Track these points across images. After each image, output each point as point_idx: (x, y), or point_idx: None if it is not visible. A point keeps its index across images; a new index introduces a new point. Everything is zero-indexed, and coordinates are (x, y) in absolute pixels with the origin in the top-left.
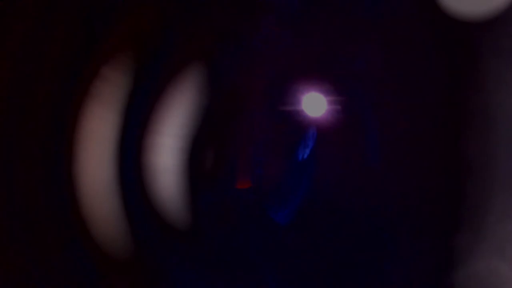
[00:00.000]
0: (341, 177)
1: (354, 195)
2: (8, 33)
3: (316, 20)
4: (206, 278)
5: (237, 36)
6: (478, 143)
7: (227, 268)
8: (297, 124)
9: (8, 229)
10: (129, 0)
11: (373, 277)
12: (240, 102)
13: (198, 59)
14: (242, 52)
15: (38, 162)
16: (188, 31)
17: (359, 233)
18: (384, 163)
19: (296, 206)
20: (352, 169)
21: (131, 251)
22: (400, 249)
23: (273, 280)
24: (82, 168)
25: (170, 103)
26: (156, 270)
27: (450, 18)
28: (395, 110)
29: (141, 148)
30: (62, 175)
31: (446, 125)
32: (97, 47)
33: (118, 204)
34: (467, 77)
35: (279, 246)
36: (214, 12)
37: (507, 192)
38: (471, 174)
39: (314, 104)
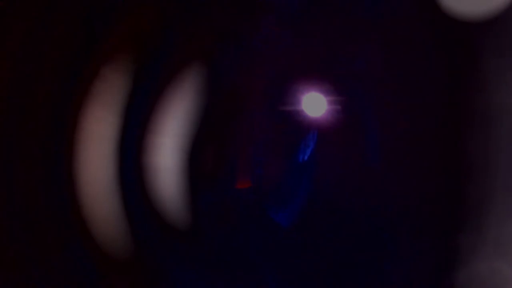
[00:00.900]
0: (341, 177)
1: (354, 195)
2: (8, 33)
3: (316, 20)
4: (206, 278)
5: (237, 36)
6: (478, 143)
7: (227, 268)
8: (297, 124)
9: (8, 229)
10: (129, 0)
11: (373, 277)
12: (240, 102)
13: (198, 59)
14: (242, 52)
15: (38, 162)
16: (188, 31)
17: (359, 233)
18: (384, 163)
19: (296, 206)
20: (352, 169)
21: (131, 251)
22: (400, 249)
23: (273, 280)
24: (82, 168)
25: (170, 103)
26: (156, 270)
27: (450, 18)
28: (395, 110)
29: (141, 148)
30: (62, 175)
31: (446, 125)
32: (97, 47)
33: (118, 204)
34: (467, 77)
35: (279, 246)
36: (214, 12)
37: (507, 192)
38: (472, 174)
39: (314, 104)
